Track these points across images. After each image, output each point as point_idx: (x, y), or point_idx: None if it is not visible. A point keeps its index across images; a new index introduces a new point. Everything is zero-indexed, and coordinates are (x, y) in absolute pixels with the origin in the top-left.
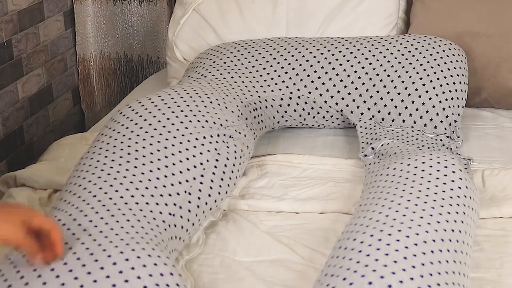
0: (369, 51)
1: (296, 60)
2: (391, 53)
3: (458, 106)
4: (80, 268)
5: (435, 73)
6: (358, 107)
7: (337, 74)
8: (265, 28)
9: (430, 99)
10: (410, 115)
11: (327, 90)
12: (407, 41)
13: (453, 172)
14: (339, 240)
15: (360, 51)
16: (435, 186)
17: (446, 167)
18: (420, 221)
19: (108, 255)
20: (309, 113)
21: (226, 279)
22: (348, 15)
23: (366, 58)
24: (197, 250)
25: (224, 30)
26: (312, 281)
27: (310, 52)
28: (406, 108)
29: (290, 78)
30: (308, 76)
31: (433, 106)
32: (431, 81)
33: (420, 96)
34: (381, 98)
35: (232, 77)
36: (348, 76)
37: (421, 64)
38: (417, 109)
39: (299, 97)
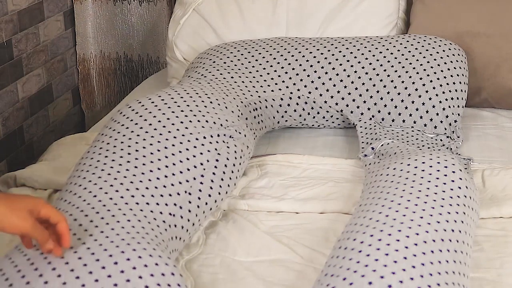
0: (369, 51)
1: (296, 60)
2: (391, 53)
3: (458, 106)
4: (81, 267)
5: (435, 73)
6: (358, 107)
7: (337, 74)
8: (265, 28)
9: (430, 99)
10: (410, 115)
11: (327, 90)
12: (407, 41)
13: (453, 172)
14: (339, 240)
15: (360, 51)
16: (435, 186)
17: (446, 167)
18: (420, 221)
19: (110, 254)
20: (309, 113)
21: (226, 279)
22: (348, 15)
23: (366, 58)
24: (197, 250)
25: (224, 30)
26: (312, 281)
27: (310, 52)
28: (406, 108)
29: (290, 78)
30: (308, 76)
31: (433, 106)
32: (431, 81)
33: (420, 96)
34: (381, 98)
35: (232, 77)
36: (348, 76)
37: (421, 64)
38: (417, 109)
39: (299, 97)
